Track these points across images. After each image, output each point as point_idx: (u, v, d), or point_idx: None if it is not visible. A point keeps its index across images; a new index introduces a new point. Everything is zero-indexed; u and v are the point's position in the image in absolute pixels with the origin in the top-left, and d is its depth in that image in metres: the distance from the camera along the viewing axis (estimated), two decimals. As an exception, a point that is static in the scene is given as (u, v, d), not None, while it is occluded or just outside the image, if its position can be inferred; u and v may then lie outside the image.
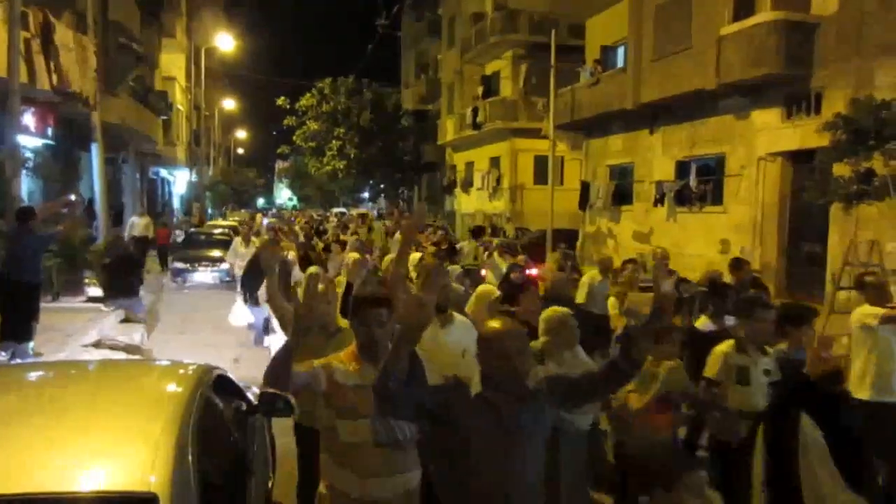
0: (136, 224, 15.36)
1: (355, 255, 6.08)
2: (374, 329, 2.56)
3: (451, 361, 3.48)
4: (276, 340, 7.49)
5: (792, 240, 12.17)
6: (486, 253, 9.12)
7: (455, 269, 7.11)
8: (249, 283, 8.29)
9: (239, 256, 10.24)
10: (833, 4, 10.80)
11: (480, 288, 4.76)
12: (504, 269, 7.23)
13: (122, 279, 9.19)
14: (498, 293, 4.56)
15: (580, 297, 7.00)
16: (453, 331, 3.70)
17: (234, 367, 6.56)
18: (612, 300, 6.65)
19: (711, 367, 3.74)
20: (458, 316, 3.86)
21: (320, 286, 2.71)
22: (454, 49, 28.76)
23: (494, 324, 2.36)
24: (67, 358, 6.63)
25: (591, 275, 7.36)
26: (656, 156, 15.81)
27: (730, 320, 4.74)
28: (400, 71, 39.98)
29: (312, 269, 5.94)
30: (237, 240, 11.06)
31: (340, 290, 4.65)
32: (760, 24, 11.49)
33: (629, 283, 6.78)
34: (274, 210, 47.11)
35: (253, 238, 11.01)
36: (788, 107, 11.88)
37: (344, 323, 3.42)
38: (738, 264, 6.62)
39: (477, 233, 15.19)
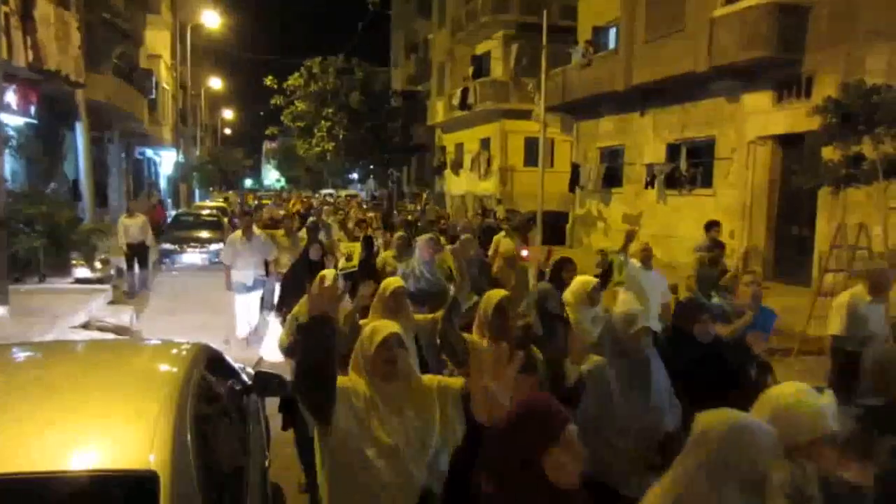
0: (129, 227, 11.20)
1: (397, 281, 3.67)
2: None
3: None
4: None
5: (780, 223, 12.29)
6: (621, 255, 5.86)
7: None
8: (289, 300, 5.53)
9: (239, 255, 7.80)
10: (825, -13, 10.79)
11: None
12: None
13: None
14: None
15: (834, 327, 4.45)
16: None
17: (226, 349, 6.54)
18: None
19: None
20: None
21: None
22: (444, 29, 28.46)
23: None
24: (56, 339, 6.57)
25: (854, 292, 4.64)
26: (647, 138, 15.83)
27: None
28: (389, 50, 39.55)
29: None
30: (236, 235, 8.11)
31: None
32: (753, 6, 11.47)
33: None
34: (281, 190, 42.57)
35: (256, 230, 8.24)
36: (779, 90, 11.91)
37: None
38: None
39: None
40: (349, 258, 6.20)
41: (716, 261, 6.21)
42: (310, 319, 2.06)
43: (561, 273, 4.87)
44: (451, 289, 4.76)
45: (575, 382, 2.63)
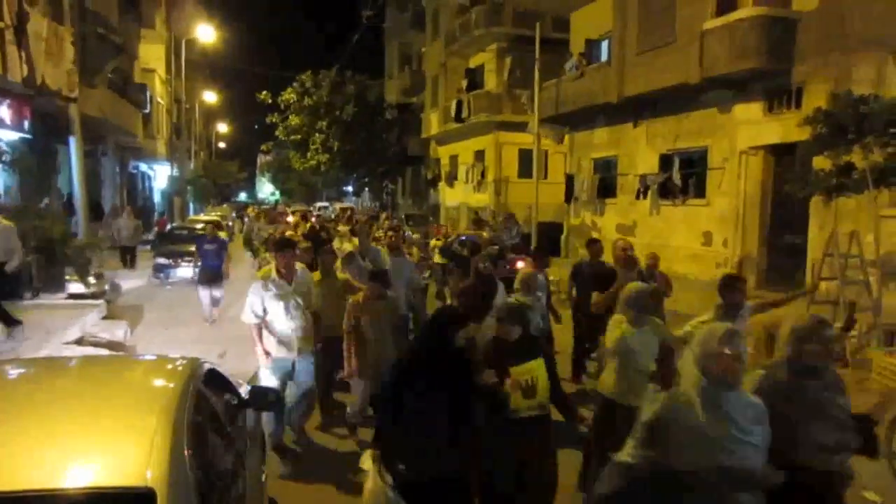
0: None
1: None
2: None
3: None
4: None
5: (773, 232, 12.36)
6: None
7: None
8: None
9: (274, 306, 4.86)
10: (814, 0, 10.94)
11: None
12: None
13: None
14: None
15: None
16: None
17: (221, 362, 6.50)
18: None
19: None
20: None
21: None
22: (438, 41, 28.67)
23: None
24: (50, 355, 6.52)
25: None
26: (640, 149, 15.93)
27: None
28: (383, 63, 39.73)
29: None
30: (266, 273, 5.09)
31: None
32: (743, 19, 11.61)
33: None
34: (276, 204, 37.48)
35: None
36: (770, 101, 12.03)
37: None
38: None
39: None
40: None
41: None
42: None
43: None
44: None
45: None
